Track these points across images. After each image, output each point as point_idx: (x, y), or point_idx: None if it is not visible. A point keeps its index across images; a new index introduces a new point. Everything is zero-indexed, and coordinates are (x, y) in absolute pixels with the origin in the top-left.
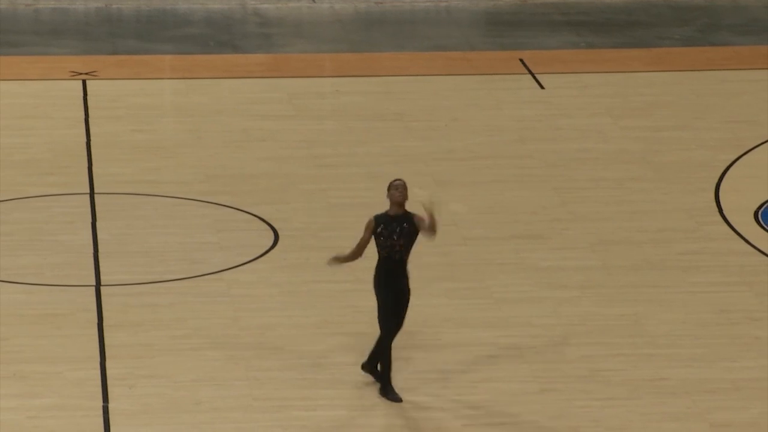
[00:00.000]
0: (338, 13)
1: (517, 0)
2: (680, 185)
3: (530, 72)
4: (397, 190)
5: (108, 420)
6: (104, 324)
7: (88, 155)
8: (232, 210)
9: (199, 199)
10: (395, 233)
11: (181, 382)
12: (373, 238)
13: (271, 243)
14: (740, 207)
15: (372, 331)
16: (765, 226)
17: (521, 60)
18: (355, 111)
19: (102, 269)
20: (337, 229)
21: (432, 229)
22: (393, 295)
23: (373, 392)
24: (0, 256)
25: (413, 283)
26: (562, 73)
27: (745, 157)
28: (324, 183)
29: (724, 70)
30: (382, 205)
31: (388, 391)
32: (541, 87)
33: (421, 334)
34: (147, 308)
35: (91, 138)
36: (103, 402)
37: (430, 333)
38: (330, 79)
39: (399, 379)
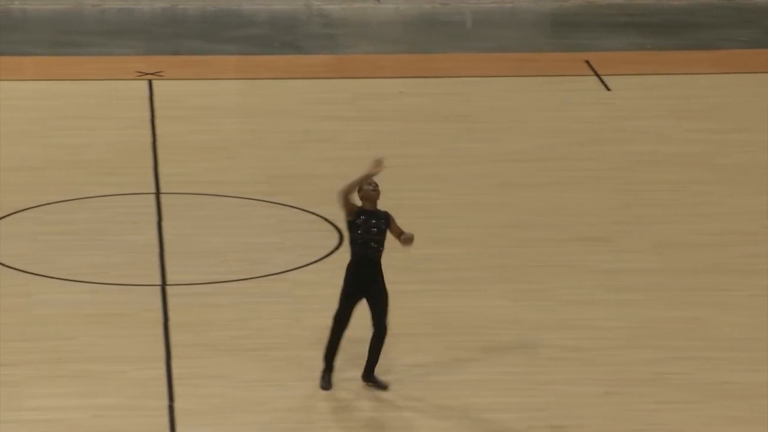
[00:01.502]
0: (403, 14)
1: (581, 1)
2: (743, 188)
3: (595, 73)
4: (371, 186)
5: (173, 420)
6: (169, 324)
7: (152, 155)
8: (296, 210)
9: (262, 199)
10: (373, 227)
11: (244, 383)
12: (349, 230)
13: (335, 244)
14: None
15: (435, 332)
16: None
17: (586, 61)
18: (418, 112)
19: (166, 269)
20: (403, 229)
21: (405, 242)
22: (355, 290)
23: (436, 393)
24: (65, 255)
25: (478, 285)
26: (626, 74)
27: None
28: (385, 184)
29: None
30: (445, 208)
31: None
32: (607, 89)
33: (484, 335)
34: (211, 308)
35: (153, 138)
36: (168, 402)
37: (493, 335)
38: (393, 80)
39: (461, 380)
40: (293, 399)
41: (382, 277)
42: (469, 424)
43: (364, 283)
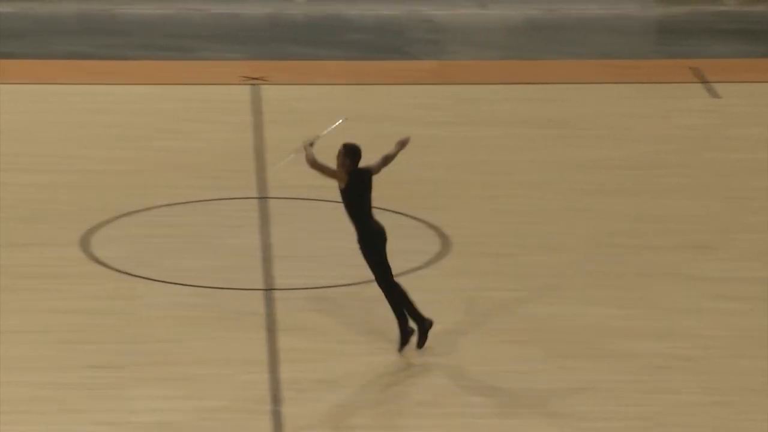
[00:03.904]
0: (508, 20)
1: (687, 8)
2: None
3: (702, 80)
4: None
5: (279, 424)
6: (273, 328)
7: (257, 159)
8: (400, 216)
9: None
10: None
11: (348, 387)
12: (349, 192)
13: (439, 249)
14: None
15: (538, 338)
16: None
17: (692, 68)
18: (521, 118)
19: (271, 273)
20: (505, 236)
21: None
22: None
23: (539, 401)
24: (170, 258)
25: (581, 291)
26: (733, 82)
27: None
28: (490, 190)
29: None
30: (546, 214)
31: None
32: (714, 96)
33: (588, 343)
34: (316, 313)
35: (259, 142)
36: (274, 406)
37: (597, 342)
38: (497, 86)
39: (565, 388)
40: (398, 403)
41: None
42: None
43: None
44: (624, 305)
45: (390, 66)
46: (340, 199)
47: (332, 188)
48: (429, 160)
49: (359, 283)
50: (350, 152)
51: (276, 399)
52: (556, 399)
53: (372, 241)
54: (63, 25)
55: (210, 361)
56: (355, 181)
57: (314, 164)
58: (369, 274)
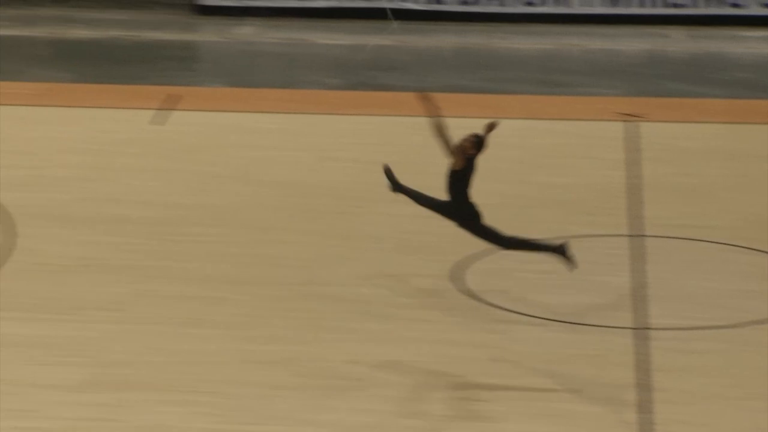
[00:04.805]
0: None
1: None
2: None
3: None
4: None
5: None
6: (646, 367)
7: (630, 197)
8: None
9: (744, 245)
10: None
11: None
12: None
13: None
14: None
15: None
16: None
17: None
18: None
19: (644, 312)
20: None
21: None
22: None
23: None
24: (542, 294)
25: None
26: None
27: None
28: None
29: None
30: None
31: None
32: None
33: None
34: (692, 354)
35: (634, 180)
36: None
37: None
38: None
39: None
40: None
41: None
42: None
43: None
44: None
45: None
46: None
47: (709, 229)
48: None
49: (735, 327)
50: (478, 145)
51: None
52: None
53: (478, 213)
54: (442, 58)
55: (580, 399)
56: (468, 167)
57: (441, 131)
58: (743, 316)
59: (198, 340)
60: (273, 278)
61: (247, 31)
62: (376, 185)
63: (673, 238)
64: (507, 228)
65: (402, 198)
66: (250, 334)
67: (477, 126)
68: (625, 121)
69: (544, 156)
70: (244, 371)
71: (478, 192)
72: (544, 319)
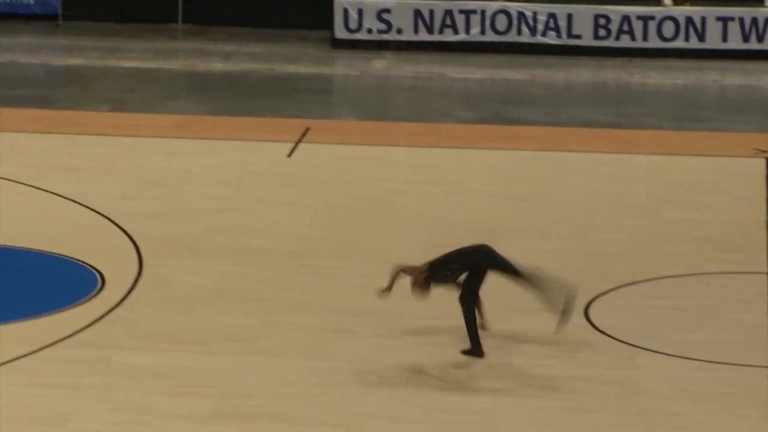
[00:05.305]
0: None
1: None
2: None
3: None
4: None
5: None
6: None
7: (767, 234)
8: None
9: None
10: None
11: None
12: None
13: None
14: None
15: None
16: None
17: None
18: None
19: None
20: None
21: None
22: None
23: None
24: (674, 330)
25: None
26: None
27: None
28: None
29: None
30: None
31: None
32: None
33: None
34: None
35: None
36: None
37: None
38: None
39: None
40: None
41: None
42: None
43: None
44: None
45: None
46: None
47: None
48: None
49: None
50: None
51: None
52: None
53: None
54: (575, 92)
55: None
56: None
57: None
58: None
59: (323, 372)
60: (400, 311)
61: (380, 65)
62: (507, 219)
63: None
64: (639, 263)
65: (534, 233)
66: (376, 368)
67: (608, 161)
68: (762, 157)
69: (678, 192)
70: (368, 403)
71: (611, 226)
72: (676, 356)
